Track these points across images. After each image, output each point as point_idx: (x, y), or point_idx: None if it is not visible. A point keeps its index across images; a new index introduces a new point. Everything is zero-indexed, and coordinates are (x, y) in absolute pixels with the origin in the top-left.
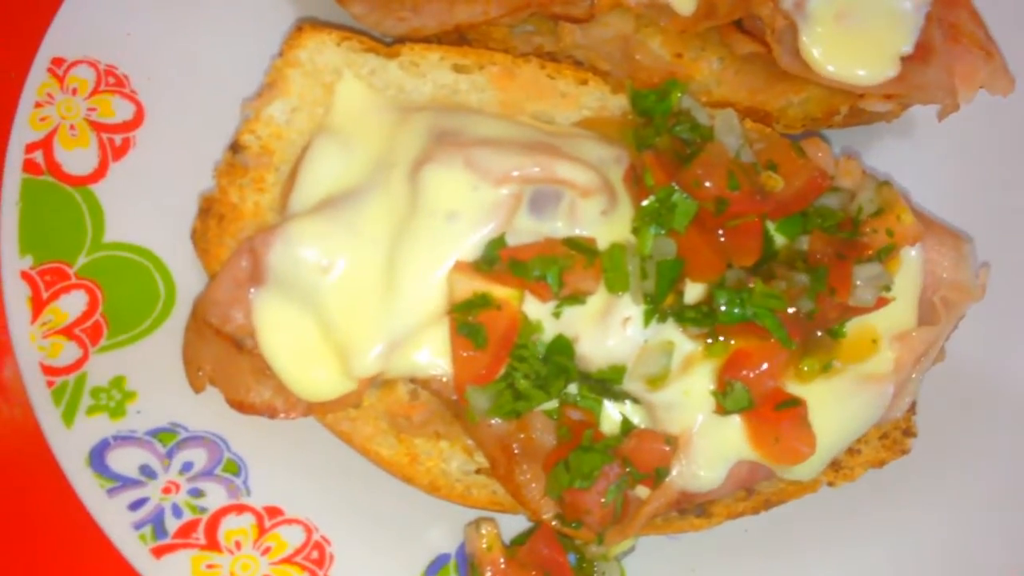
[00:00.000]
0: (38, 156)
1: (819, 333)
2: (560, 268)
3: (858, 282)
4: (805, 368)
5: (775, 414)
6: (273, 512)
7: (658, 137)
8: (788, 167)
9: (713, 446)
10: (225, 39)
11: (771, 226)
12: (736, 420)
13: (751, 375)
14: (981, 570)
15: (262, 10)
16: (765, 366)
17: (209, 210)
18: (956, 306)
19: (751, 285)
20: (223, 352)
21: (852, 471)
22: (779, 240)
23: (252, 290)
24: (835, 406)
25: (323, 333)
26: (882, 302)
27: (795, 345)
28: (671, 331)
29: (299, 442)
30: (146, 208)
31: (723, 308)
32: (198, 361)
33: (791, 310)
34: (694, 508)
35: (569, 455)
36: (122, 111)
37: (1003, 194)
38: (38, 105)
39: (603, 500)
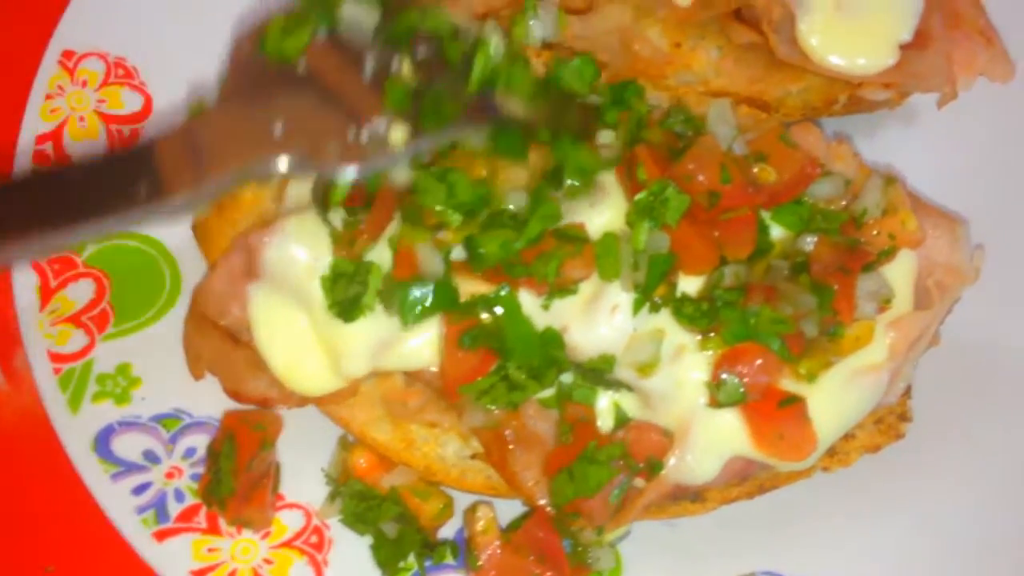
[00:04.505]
0: (48, 147)
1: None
2: (558, 262)
3: (860, 295)
4: (803, 371)
5: (778, 412)
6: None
7: (647, 130)
8: (777, 157)
9: (709, 440)
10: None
11: (766, 215)
12: (732, 415)
13: (745, 370)
14: (980, 549)
15: (271, 2)
16: (760, 362)
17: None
18: (950, 289)
19: (756, 308)
20: (220, 344)
21: (847, 456)
22: (775, 230)
23: (249, 284)
24: (832, 398)
25: (316, 331)
26: (882, 310)
27: (795, 358)
28: (662, 319)
29: (299, 428)
30: None
31: (728, 330)
32: (197, 351)
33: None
34: (688, 495)
35: (573, 465)
36: (131, 103)
37: (1002, 177)
38: (48, 97)
39: (607, 503)
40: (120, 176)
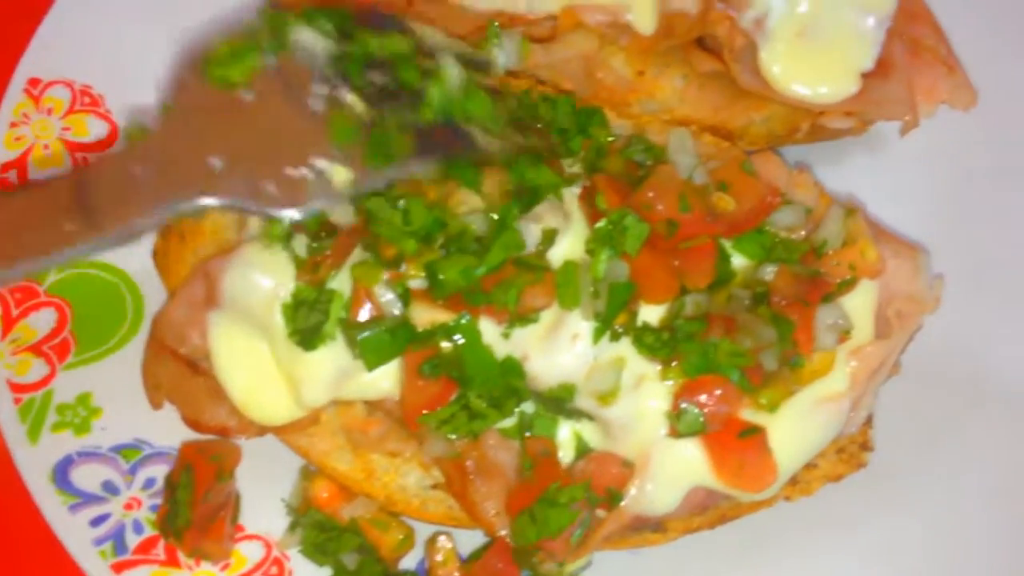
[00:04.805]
0: (12, 176)
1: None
2: (518, 290)
3: (820, 327)
4: (764, 401)
5: (739, 442)
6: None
7: (608, 159)
8: (738, 187)
9: (669, 471)
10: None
11: (728, 244)
12: (693, 445)
13: (706, 400)
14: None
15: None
16: (720, 392)
17: (170, 228)
18: (911, 318)
19: (715, 340)
20: (179, 373)
21: (809, 485)
22: (737, 259)
23: (209, 312)
24: (793, 428)
25: (276, 360)
26: (842, 340)
27: (756, 388)
28: (622, 348)
29: (260, 459)
30: None
31: (687, 362)
32: (156, 379)
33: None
34: (650, 525)
35: (534, 507)
36: (96, 130)
37: (964, 205)
38: (13, 125)
39: (569, 541)
40: (46, 210)
